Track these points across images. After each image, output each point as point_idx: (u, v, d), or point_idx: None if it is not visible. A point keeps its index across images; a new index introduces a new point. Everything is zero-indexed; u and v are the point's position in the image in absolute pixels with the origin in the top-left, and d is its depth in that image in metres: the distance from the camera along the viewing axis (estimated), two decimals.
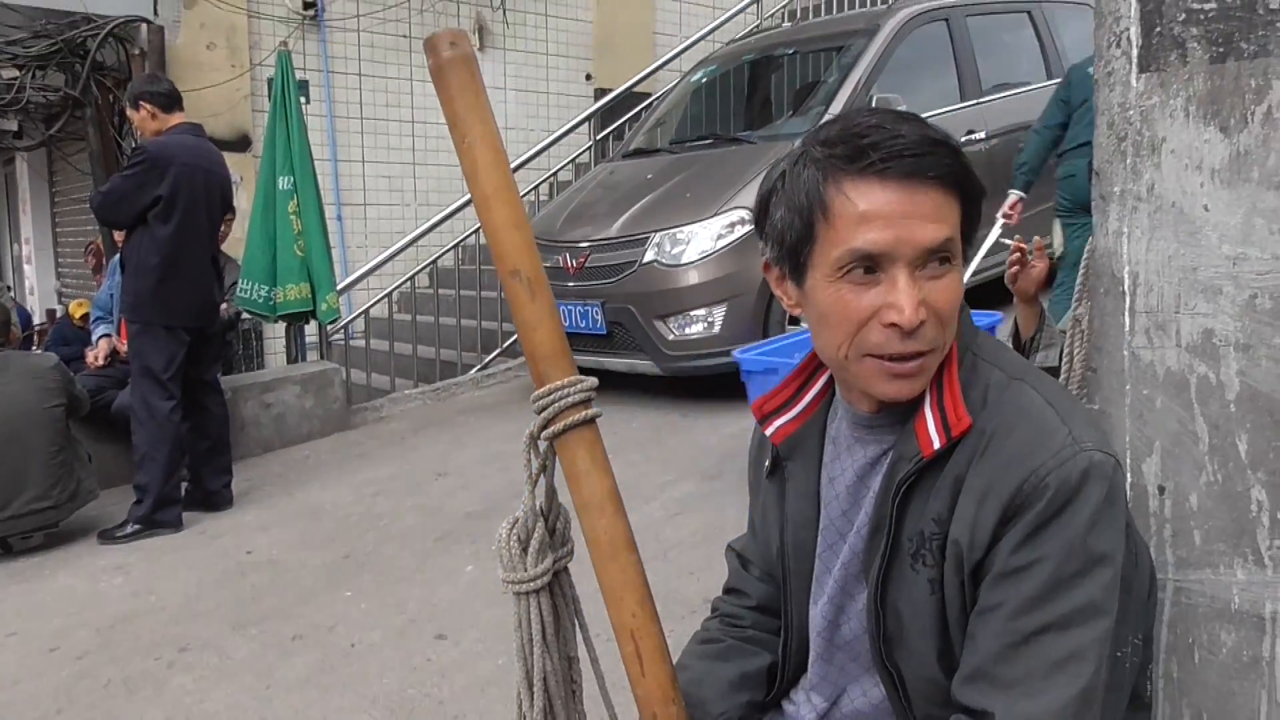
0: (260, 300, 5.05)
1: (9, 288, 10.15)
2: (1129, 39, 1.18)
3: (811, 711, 1.16)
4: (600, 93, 7.78)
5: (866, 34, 5.26)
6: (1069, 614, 0.93)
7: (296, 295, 5.08)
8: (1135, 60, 1.17)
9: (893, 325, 0.97)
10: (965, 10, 5.62)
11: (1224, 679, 1.14)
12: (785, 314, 4.42)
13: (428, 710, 2.47)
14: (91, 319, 5.00)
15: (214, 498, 4.20)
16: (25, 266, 9.77)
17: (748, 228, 4.39)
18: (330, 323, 5.42)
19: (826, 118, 5.18)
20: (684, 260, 4.51)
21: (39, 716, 2.64)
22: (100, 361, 4.65)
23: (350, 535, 3.72)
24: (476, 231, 6.35)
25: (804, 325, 1.09)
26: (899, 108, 4.53)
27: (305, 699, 2.59)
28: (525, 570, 1.03)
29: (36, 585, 3.56)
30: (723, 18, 7.86)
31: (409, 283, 6.38)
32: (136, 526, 3.92)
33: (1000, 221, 4.23)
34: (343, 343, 6.25)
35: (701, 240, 4.50)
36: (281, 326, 5.60)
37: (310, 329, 5.60)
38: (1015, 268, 2.40)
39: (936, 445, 0.99)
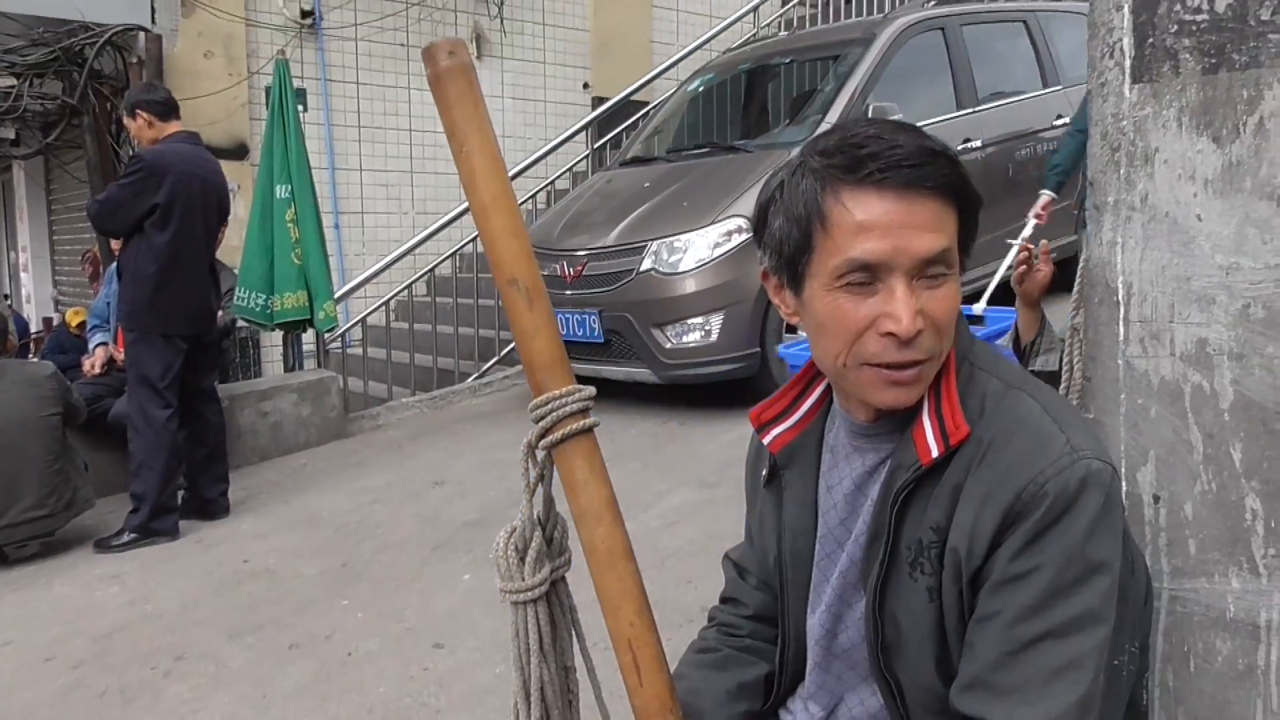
0: (257, 308, 5.05)
1: (6, 296, 10.15)
2: (1122, 50, 1.19)
3: None
4: (597, 101, 7.80)
5: (863, 43, 5.28)
6: (1067, 622, 0.93)
7: (294, 303, 5.07)
8: (1128, 71, 1.18)
9: (890, 334, 0.97)
10: (961, 19, 5.65)
11: (1219, 688, 1.15)
12: (783, 322, 4.43)
13: (425, 719, 2.47)
14: (88, 327, 5.00)
15: (210, 506, 4.19)
16: (22, 274, 9.76)
17: (745, 236, 4.40)
18: (328, 331, 5.42)
19: (823, 126, 5.21)
20: (681, 268, 4.52)
21: None
22: (97, 370, 4.64)
23: (347, 544, 3.71)
24: (474, 240, 6.35)
25: (801, 334, 1.09)
26: (895, 116, 4.56)
27: (302, 708, 2.59)
28: (523, 579, 1.03)
29: (32, 594, 3.55)
30: (719, 27, 7.88)
31: (406, 291, 6.38)
32: (133, 535, 3.91)
33: (1033, 221, 4.21)
34: (340, 351, 6.25)
35: (699, 249, 4.51)
36: (279, 335, 5.60)
37: (308, 337, 5.60)
38: (1023, 267, 2.41)
39: (935, 454, 1.00)
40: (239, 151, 6.79)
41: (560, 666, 1.06)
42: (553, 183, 7.10)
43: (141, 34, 6.42)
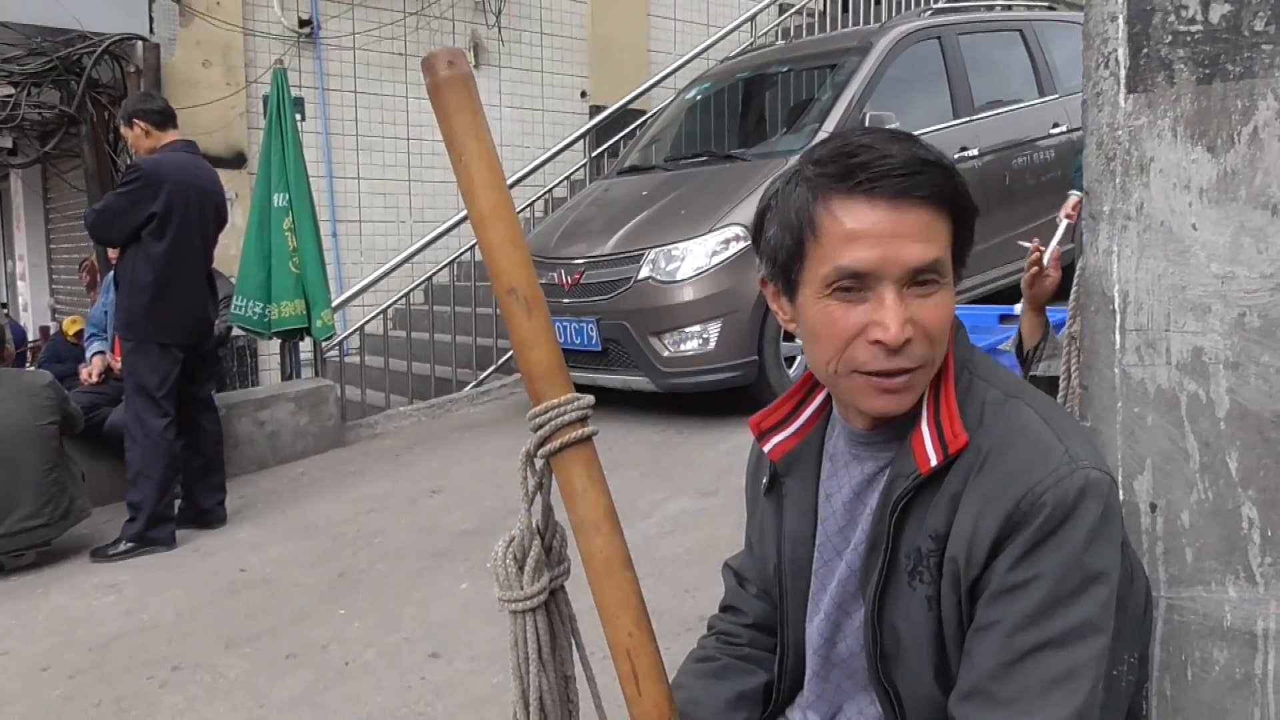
0: (255, 317, 5.05)
1: (3, 304, 10.14)
2: (1117, 60, 1.19)
3: None
4: (595, 110, 7.81)
5: (860, 52, 5.29)
6: (1066, 632, 0.93)
7: (291, 312, 5.08)
8: (1123, 81, 1.19)
9: (878, 342, 0.98)
10: (958, 29, 5.67)
11: (1217, 697, 1.15)
12: (780, 330, 4.44)
13: None
14: (85, 336, 5.00)
15: (207, 515, 4.18)
16: (19, 283, 9.76)
17: (742, 244, 4.41)
18: (325, 339, 5.42)
19: (820, 135, 5.22)
20: (679, 277, 4.52)
21: None
22: (94, 378, 4.64)
23: (344, 553, 3.71)
24: (472, 248, 6.35)
25: (799, 340, 1.10)
26: (892, 125, 4.58)
27: (298, 718, 2.58)
28: (521, 588, 1.03)
29: (28, 604, 3.54)
30: (717, 35, 7.90)
31: (404, 299, 6.38)
32: (129, 544, 3.90)
33: (1065, 222, 4.21)
34: (337, 359, 6.25)
35: (696, 257, 4.52)
36: (276, 343, 5.60)
37: (305, 346, 5.59)
38: (1034, 269, 2.41)
39: (934, 462, 1.00)
40: (237, 160, 6.79)
41: (559, 676, 1.06)
42: (550, 191, 7.11)
43: (139, 43, 6.44)
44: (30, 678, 2.94)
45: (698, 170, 5.26)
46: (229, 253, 5.48)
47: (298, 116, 5.39)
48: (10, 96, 6.41)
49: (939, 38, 5.54)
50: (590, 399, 1.03)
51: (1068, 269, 2.22)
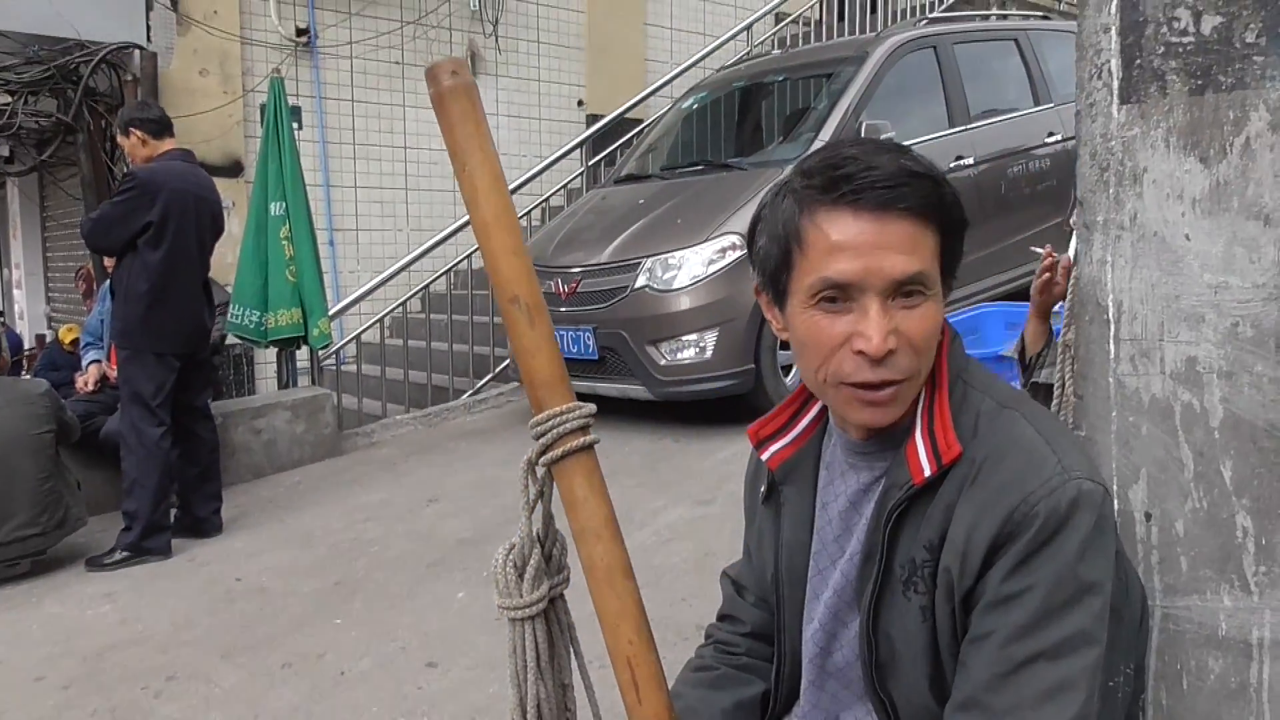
0: (252, 326, 5.05)
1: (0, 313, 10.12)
2: (1110, 71, 1.20)
3: None
4: (592, 119, 7.84)
5: (855, 61, 5.32)
6: (1059, 643, 0.94)
7: (288, 320, 5.07)
8: (1116, 92, 1.20)
9: (861, 353, 0.98)
10: (953, 38, 5.70)
11: (1212, 706, 1.15)
12: (777, 339, 4.44)
13: None
14: (81, 344, 4.99)
15: (203, 524, 4.17)
16: (15, 291, 9.74)
17: (739, 253, 4.42)
18: (322, 348, 5.42)
19: (816, 144, 5.24)
20: (675, 285, 4.53)
21: None
22: (90, 387, 4.63)
23: (341, 562, 3.70)
24: (469, 256, 6.37)
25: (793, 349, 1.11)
26: (887, 135, 4.59)
27: None
28: (521, 596, 1.03)
29: (23, 613, 3.53)
30: (713, 45, 7.93)
31: (401, 308, 6.39)
32: (125, 554, 3.89)
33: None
34: (334, 368, 6.25)
35: (693, 265, 4.53)
36: (273, 352, 5.59)
37: (302, 354, 5.59)
38: (1046, 275, 2.41)
39: (927, 473, 1.01)
40: (234, 169, 6.80)
41: (558, 684, 1.06)
42: (547, 200, 7.12)
43: (136, 52, 6.44)
44: (25, 688, 2.93)
45: (694, 179, 5.28)
46: (225, 261, 5.49)
47: (295, 125, 5.40)
48: (7, 105, 6.41)
49: (934, 47, 5.56)
50: (592, 407, 1.04)
51: None
